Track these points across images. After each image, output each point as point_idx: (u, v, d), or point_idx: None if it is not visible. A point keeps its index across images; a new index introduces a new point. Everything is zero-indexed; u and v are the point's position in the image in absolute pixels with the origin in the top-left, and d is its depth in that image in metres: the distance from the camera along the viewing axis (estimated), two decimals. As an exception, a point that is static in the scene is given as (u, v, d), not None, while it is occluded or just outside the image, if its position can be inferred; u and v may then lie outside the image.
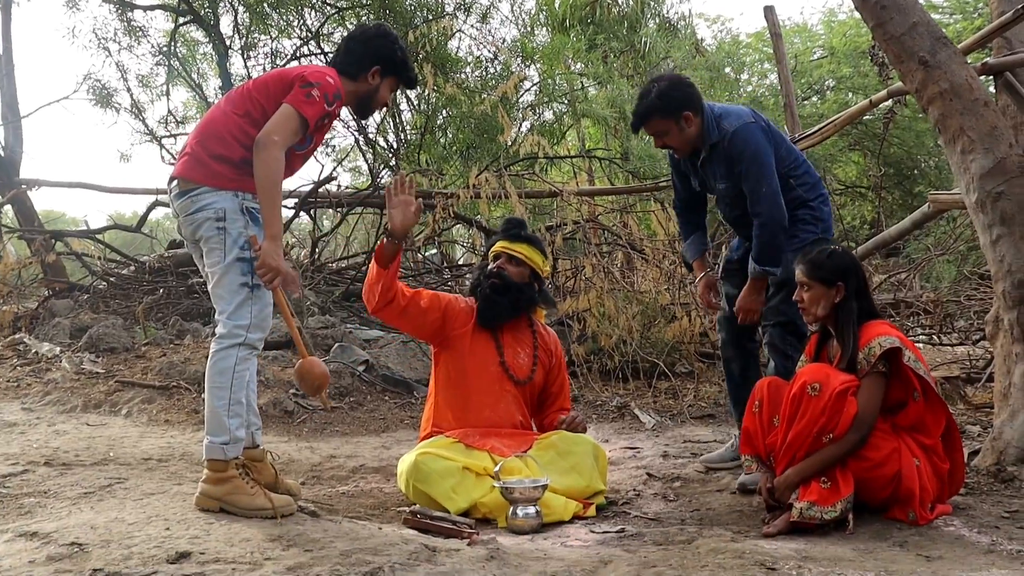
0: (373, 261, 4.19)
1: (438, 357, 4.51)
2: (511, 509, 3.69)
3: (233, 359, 3.37)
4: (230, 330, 3.38)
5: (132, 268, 10.88)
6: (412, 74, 3.88)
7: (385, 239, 4.11)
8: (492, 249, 4.59)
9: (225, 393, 3.36)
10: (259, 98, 3.50)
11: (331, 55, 3.88)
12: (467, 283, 4.86)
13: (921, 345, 8.21)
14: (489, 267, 4.50)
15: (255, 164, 3.35)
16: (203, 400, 6.15)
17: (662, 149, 4.51)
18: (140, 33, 14.95)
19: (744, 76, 21.25)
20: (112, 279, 10.65)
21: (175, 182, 3.51)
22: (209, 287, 3.53)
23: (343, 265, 11.39)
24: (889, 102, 7.80)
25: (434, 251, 12.09)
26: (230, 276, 3.39)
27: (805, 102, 19.30)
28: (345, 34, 3.81)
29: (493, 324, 4.43)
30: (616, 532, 3.56)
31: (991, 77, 5.18)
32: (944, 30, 4.55)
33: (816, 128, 7.62)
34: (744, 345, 4.71)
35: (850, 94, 18.45)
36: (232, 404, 3.38)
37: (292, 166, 3.70)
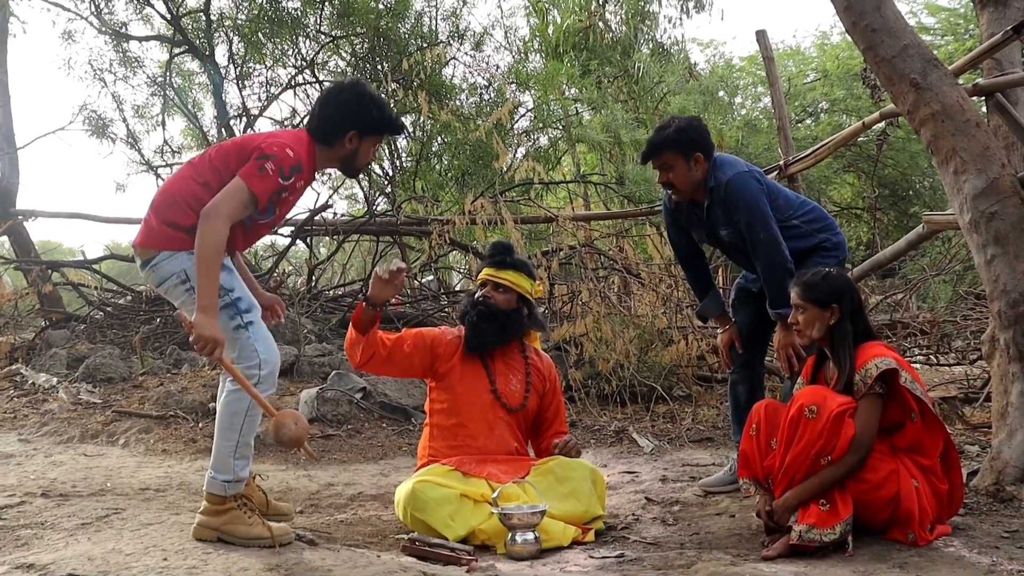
0: (351, 326, 4.21)
1: (432, 386, 4.51)
2: (509, 535, 3.68)
3: (247, 402, 3.33)
4: (242, 373, 3.35)
5: (129, 298, 10.89)
6: (395, 125, 3.73)
7: (364, 304, 4.13)
8: (478, 277, 4.60)
9: (235, 435, 3.34)
10: (219, 167, 3.41)
11: (307, 116, 3.78)
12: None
13: (918, 365, 8.22)
14: (476, 295, 4.51)
15: (198, 234, 3.24)
16: (200, 429, 6.16)
17: (664, 185, 4.56)
18: (135, 64, 15.01)
19: (738, 100, 21.41)
20: (109, 309, 10.65)
21: (135, 252, 3.46)
22: None
23: (340, 292, 11.39)
24: (882, 124, 7.81)
25: (430, 278, 12.10)
26: (221, 328, 3.33)
27: (799, 124, 19.43)
28: (319, 95, 3.66)
29: (481, 351, 4.43)
30: (615, 557, 3.55)
31: (982, 98, 5.21)
32: (936, 52, 4.58)
33: (810, 151, 7.64)
34: (754, 368, 4.75)
35: (844, 116, 18.58)
36: (240, 447, 3.36)
37: (257, 233, 3.68)
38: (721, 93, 18.58)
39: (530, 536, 3.66)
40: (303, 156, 3.45)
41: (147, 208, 3.49)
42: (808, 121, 20.30)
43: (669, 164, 4.41)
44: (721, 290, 5.24)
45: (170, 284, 3.38)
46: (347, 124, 3.56)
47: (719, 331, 4.85)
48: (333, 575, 2.92)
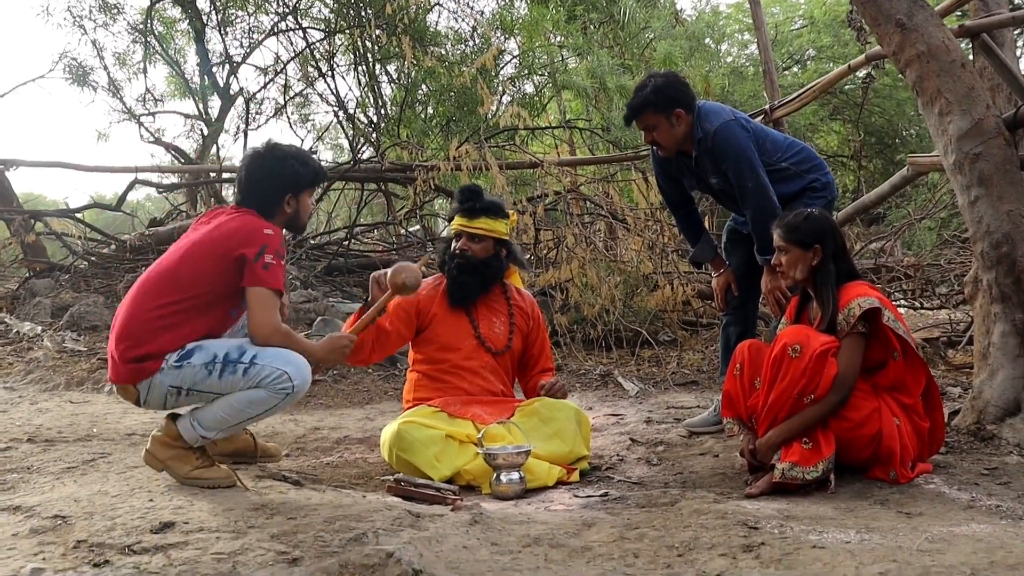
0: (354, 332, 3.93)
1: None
2: (495, 475, 3.70)
3: (271, 405, 3.30)
4: (276, 391, 3.29)
5: (113, 247, 10.82)
6: (320, 175, 3.69)
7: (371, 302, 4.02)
8: (451, 226, 4.55)
9: (239, 417, 3.32)
10: (186, 274, 3.34)
11: (241, 194, 3.56)
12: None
13: (903, 310, 8.25)
14: (452, 247, 4.48)
15: (270, 345, 3.32)
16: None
17: (650, 144, 4.55)
18: (115, 10, 14.84)
19: (724, 47, 21.28)
20: (93, 258, 10.59)
21: (118, 391, 3.43)
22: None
23: (325, 240, 11.37)
24: (868, 68, 7.78)
25: (416, 227, 12.07)
26: (234, 388, 3.29)
27: (786, 72, 19.35)
28: (240, 167, 3.62)
29: (464, 304, 4.44)
30: (599, 496, 3.58)
31: (968, 40, 5.18)
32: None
33: (795, 95, 7.61)
34: (746, 311, 4.78)
35: (831, 63, 18.50)
36: (232, 426, 3.37)
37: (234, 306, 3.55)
38: (707, 40, 18.45)
39: (515, 476, 3.69)
40: (277, 231, 3.44)
41: (110, 341, 3.40)
42: (795, 68, 20.22)
43: (651, 124, 4.39)
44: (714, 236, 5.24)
45: (171, 400, 3.35)
46: (280, 190, 3.53)
47: (714, 275, 4.85)
48: (319, 514, 2.93)
